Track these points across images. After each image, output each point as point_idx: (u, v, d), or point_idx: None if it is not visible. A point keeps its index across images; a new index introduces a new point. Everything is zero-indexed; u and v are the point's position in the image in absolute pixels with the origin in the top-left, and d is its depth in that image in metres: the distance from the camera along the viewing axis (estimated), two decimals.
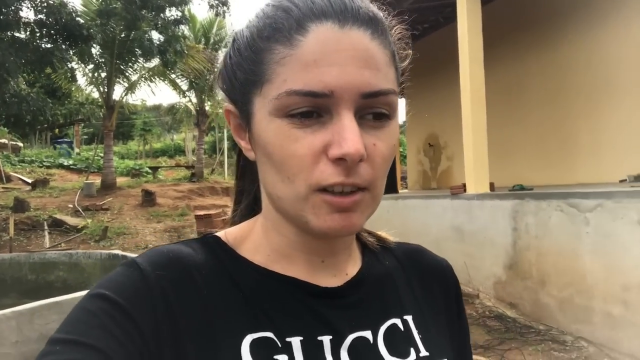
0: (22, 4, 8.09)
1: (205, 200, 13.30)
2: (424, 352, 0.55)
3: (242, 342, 0.47)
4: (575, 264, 4.23)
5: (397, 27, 0.54)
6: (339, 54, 0.45)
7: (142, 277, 0.47)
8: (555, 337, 4.17)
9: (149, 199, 11.88)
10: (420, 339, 0.56)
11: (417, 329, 0.57)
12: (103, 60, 12.65)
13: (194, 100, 17.36)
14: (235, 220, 0.63)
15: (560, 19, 6.51)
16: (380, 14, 0.50)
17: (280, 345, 0.49)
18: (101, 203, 11.65)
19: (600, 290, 4.04)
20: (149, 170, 18.16)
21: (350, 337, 0.52)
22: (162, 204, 12.19)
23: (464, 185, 5.65)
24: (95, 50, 12.07)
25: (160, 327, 0.45)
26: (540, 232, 4.55)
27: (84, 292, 3.44)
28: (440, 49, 8.26)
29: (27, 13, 7.84)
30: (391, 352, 0.53)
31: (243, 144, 0.54)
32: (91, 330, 0.42)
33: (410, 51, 0.56)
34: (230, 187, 14.35)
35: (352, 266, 0.58)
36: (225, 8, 10.55)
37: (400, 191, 9.28)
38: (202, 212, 9.43)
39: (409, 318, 0.58)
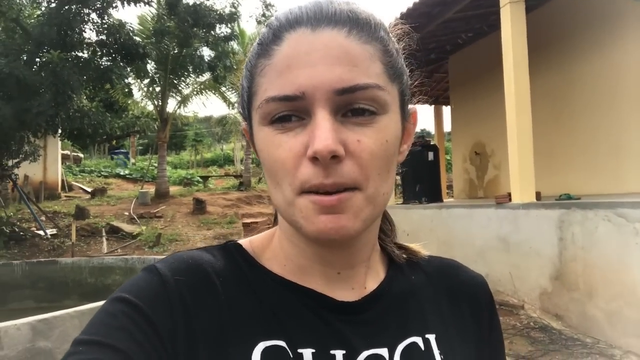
0: (86, 26, 8.71)
1: (252, 208, 13.63)
2: None
3: (253, 349, 0.48)
4: (624, 276, 4.12)
5: (396, 24, 0.54)
6: (310, 55, 0.45)
7: (162, 283, 0.48)
8: (603, 351, 4.06)
9: (199, 207, 12.31)
10: (442, 359, 0.55)
11: (439, 348, 0.55)
12: (157, 75, 13.34)
13: None
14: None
15: (610, 22, 6.33)
16: (366, 12, 0.49)
17: (291, 356, 0.49)
18: (155, 211, 12.19)
19: None
20: (200, 180, 18.78)
21: (365, 354, 0.51)
22: (212, 211, 12.59)
23: (509, 194, 5.58)
24: (150, 66, 12.74)
25: (177, 331, 0.46)
26: (587, 242, 4.45)
27: None
28: (485, 56, 8.19)
29: (90, 34, 8.45)
30: None
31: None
32: (113, 331, 0.44)
33: (398, 46, 0.54)
34: None
35: (373, 280, 0.57)
36: None
37: (445, 200, 9.21)
38: (249, 220, 9.71)
39: (431, 337, 0.56)
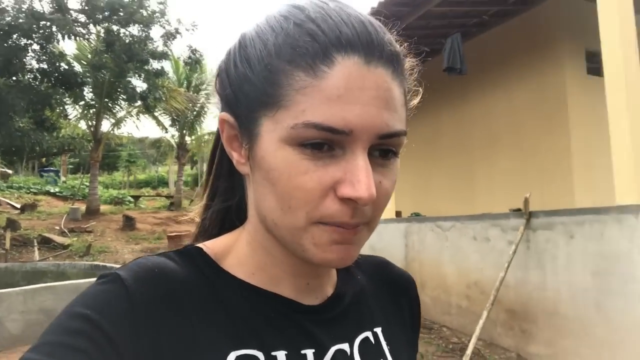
0: (27, 54, 9.62)
1: (181, 227, 14.50)
2: None
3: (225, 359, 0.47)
4: (441, 270, 5.71)
5: (408, 58, 0.53)
6: (363, 93, 0.44)
7: (127, 296, 0.45)
8: (427, 326, 5.59)
9: (129, 223, 13.08)
10: (389, 350, 0.59)
11: (385, 340, 0.60)
12: (93, 99, 14.19)
13: (176, 135, 18.95)
14: (206, 227, 0.62)
15: (466, 82, 8.18)
16: (399, 48, 0.49)
17: None
18: (85, 226, 12.83)
19: (454, 288, 5.50)
20: (131, 199, 19.32)
21: (332, 350, 0.54)
22: (141, 228, 13.34)
23: None
24: (86, 90, 13.57)
25: (142, 350, 0.43)
26: (421, 247, 6.04)
27: (70, 282, 4.75)
28: None
29: (31, 61, 9.24)
30: None
31: (235, 156, 0.52)
32: (70, 353, 0.40)
33: (420, 89, 0.57)
34: None
35: (331, 284, 0.60)
36: (197, 65, 12.41)
37: None
38: (173, 233, 10.72)
39: (378, 330, 0.60)
